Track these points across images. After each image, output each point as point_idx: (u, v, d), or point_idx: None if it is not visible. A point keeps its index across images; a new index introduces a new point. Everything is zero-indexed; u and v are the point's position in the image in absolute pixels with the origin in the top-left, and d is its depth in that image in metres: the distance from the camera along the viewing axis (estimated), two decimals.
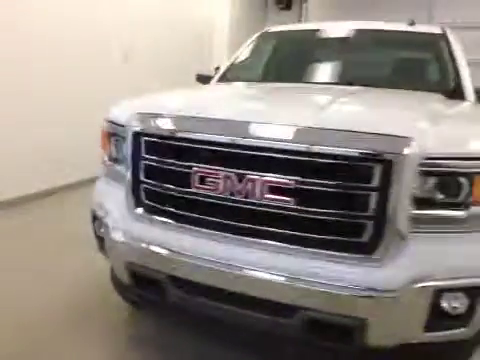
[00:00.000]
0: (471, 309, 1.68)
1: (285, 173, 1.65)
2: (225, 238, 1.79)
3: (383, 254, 1.62)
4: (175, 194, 1.88)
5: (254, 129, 1.71)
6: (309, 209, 1.65)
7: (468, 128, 1.78)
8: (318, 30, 3.39)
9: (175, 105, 2.04)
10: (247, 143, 1.69)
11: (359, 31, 3.26)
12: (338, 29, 3.35)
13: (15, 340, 2.30)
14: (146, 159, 1.94)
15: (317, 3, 9.13)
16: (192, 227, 1.86)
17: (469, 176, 1.61)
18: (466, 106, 2.29)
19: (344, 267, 1.65)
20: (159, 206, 1.94)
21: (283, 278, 1.68)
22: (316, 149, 1.61)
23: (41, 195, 4.58)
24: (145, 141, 1.93)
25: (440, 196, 1.64)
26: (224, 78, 3.31)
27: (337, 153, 1.60)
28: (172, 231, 1.91)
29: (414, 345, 1.75)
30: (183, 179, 1.83)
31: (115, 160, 2.19)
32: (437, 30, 3.16)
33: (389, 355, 1.77)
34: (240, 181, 1.71)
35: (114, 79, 5.58)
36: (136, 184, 1.99)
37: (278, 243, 1.72)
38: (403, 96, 2.48)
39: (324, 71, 3.17)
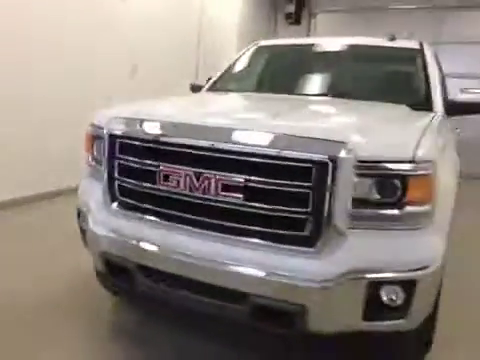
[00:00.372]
0: (407, 301, 1.82)
1: (236, 172, 1.84)
2: (185, 230, 1.98)
3: (322, 247, 1.78)
4: (143, 190, 2.08)
5: (207, 132, 1.90)
6: (257, 205, 1.83)
7: (403, 135, 1.93)
8: (303, 45, 3.60)
9: (147, 111, 2.25)
10: (202, 144, 1.89)
11: (341, 46, 3.45)
12: (321, 44, 3.56)
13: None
14: (119, 158, 2.14)
15: (325, 19, 9.34)
16: (158, 220, 2.06)
17: (402, 178, 1.77)
18: (422, 117, 2.44)
19: (288, 258, 1.81)
20: (130, 201, 2.14)
21: (234, 267, 1.86)
22: (261, 151, 1.79)
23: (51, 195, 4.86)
24: (118, 142, 2.14)
25: (376, 196, 1.79)
26: (213, 88, 3.52)
27: (280, 155, 1.78)
28: (141, 224, 2.10)
29: (357, 333, 1.89)
30: (150, 177, 2.03)
31: (97, 161, 2.40)
32: (415, 45, 3.31)
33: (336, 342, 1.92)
34: (198, 179, 1.90)
35: (122, 90, 5.84)
36: (111, 181, 2.19)
37: (231, 236, 1.89)
38: (363, 107, 2.65)
39: (301, 83, 3.36)
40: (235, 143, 1.84)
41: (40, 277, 3.04)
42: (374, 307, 1.81)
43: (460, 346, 2.62)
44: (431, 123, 2.24)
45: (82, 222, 2.43)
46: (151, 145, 2.04)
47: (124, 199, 2.17)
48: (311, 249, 1.79)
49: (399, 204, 1.78)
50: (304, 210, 1.78)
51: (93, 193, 2.35)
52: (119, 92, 5.38)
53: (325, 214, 1.76)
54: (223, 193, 1.86)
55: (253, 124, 1.91)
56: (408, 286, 1.80)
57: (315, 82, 3.33)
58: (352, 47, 3.45)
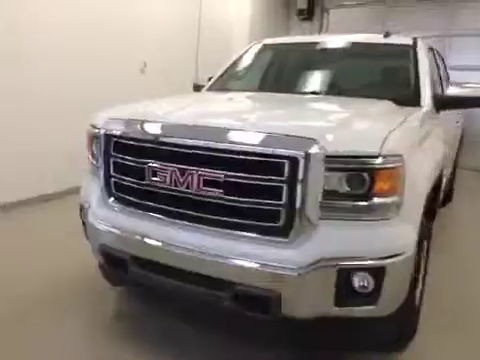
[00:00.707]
0: (377, 288, 1.94)
1: (216, 168, 1.98)
2: (173, 223, 2.14)
3: (295, 237, 1.91)
4: (135, 186, 2.24)
5: (189, 131, 2.05)
6: (235, 199, 1.97)
7: (373, 131, 2.04)
8: (299, 43, 3.70)
9: (138, 112, 2.41)
10: (185, 143, 2.04)
11: (336, 44, 3.55)
12: (317, 43, 3.66)
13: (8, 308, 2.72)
14: (114, 156, 2.31)
15: (338, 14, 9.34)
16: (148, 214, 2.22)
17: (370, 171, 1.88)
18: (402, 112, 2.53)
19: (264, 248, 1.95)
20: (124, 196, 2.31)
21: (216, 257, 2.00)
22: (238, 148, 1.93)
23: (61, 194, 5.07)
24: (113, 141, 2.31)
25: (346, 188, 1.90)
26: (212, 87, 3.66)
27: (256, 151, 1.91)
28: (134, 217, 2.27)
29: (332, 319, 2.01)
30: (140, 173, 2.19)
31: (96, 159, 2.58)
32: (408, 41, 3.38)
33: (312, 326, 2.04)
34: (182, 175, 2.05)
35: (132, 88, 6.02)
36: (107, 178, 2.36)
37: (213, 228, 2.04)
38: (346, 103, 2.76)
39: (294, 82, 3.47)
40: (214, 141, 1.98)
41: (46, 270, 3.24)
42: (345, 293, 1.92)
43: (446, 333, 2.69)
44: (408, 118, 2.33)
45: (83, 217, 2.61)
46: (140, 144, 2.20)
47: (119, 194, 2.34)
48: (285, 239, 1.92)
49: (367, 196, 1.89)
50: (278, 203, 1.91)
51: (93, 189, 2.52)
52: (131, 88, 5.58)
53: (297, 206, 1.88)
54: (205, 188, 2.01)
55: (231, 122, 2.05)
56: (377, 273, 1.91)
57: (308, 81, 3.44)
58: (347, 45, 3.55)
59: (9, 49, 4.45)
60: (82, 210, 2.64)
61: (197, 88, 3.92)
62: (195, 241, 2.06)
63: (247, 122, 2.09)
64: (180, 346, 2.44)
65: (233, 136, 1.97)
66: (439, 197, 2.85)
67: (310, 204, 1.88)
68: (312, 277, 1.88)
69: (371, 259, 1.90)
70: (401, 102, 2.78)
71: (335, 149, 1.87)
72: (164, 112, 2.36)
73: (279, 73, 3.59)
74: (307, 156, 1.85)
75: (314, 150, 1.85)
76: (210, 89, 3.67)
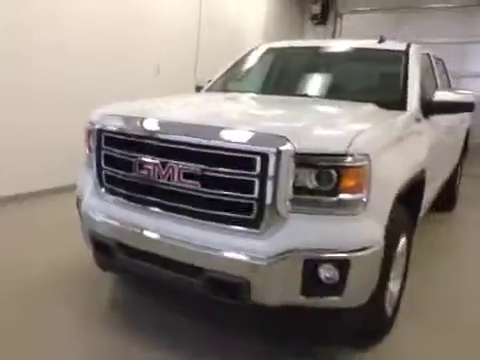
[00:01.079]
0: (342, 280, 2.04)
1: (194, 162, 2.11)
2: (155, 213, 2.28)
3: (265, 229, 2.03)
4: (122, 177, 2.39)
5: (172, 127, 2.20)
6: (212, 191, 2.10)
7: (343, 131, 2.14)
8: (296, 47, 3.83)
9: (128, 109, 2.56)
10: (167, 138, 2.18)
11: (331, 49, 3.66)
12: (313, 47, 3.77)
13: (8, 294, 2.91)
14: (105, 150, 2.47)
15: (351, 19, 9.41)
16: (133, 204, 2.37)
17: (336, 169, 1.99)
18: (386, 115, 2.62)
19: (237, 238, 2.07)
20: (113, 187, 2.47)
21: (192, 245, 2.13)
22: (213, 143, 2.06)
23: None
24: (104, 136, 2.47)
25: (314, 184, 2.02)
26: (211, 88, 3.81)
27: (229, 147, 2.04)
28: (120, 207, 2.43)
29: (299, 307, 2.12)
30: (127, 166, 2.34)
31: (91, 153, 2.74)
32: (401, 47, 3.46)
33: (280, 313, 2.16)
34: (164, 168, 2.19)
35: (147, 89, 6.21)
36: (99, 170, 2.52)
37: (191, 218, 2.18)
38: (330, 105, 2.88)
39: (286, 84, 3.61)
40: (193, 137, 2.12)
41: (48, 256, 3.43)
42: (311, 283, 2.04)
43: (425, 331, 2.77)
44: (385, 121, 2.44)
45: (79, 207, 2.77)
46: (128, 138, 2.35)
47: (109, 185, 2.50)
48: (256, 230, 2.04)
49: (334, 192, 2.01)
50: (250, 196, 2.03)
51: (87, 181, 2.68)
52: (146, 89, 5.77)
53: (268, 200, 2.00)
54: (184, 180, 2.15)
55: (210, 120, 2.19)
56: (342, 266, 2.02)
57: (300, 84, 3.56)
58: (342, 50, 3.67)
59: (35, 52, 4.71)
60: (78, 202, 2.81)
61: (199, 89, 4.07)
62: (174, 230, 2.20)
63: (225, 120, 2.23)
64: (172, 334, 2.56)
65: (209, 132, 2.10)
66: (422, 198, 2.91)
67: (280, 198, 2.00)
68: (280, 266, 2.00)
69: (336, 252, 2.01)
70: (387, 105, 2.88)
71: (304, 147, 1.99)
72: (152, 110, 2.51)
73: (273, 76, 3.73)
74: (277, 153, 1.97)
75: (284, 147, 1.97)
76: (209, 90, 3.81)
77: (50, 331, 2.54)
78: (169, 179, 2.19)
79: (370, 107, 2.78)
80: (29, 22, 4.67)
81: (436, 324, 2.86)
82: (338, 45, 3.81)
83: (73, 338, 2.53)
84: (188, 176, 2.14)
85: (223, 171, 2.06)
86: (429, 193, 3.29)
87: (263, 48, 4.03)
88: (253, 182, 2.02)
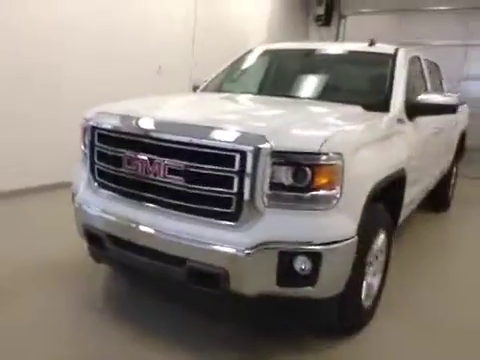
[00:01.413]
0: (315, 271, 2.17)
1: (178, 159, 2.25)
2: (142, 206, 2.42)
3: (243, 222, 2.16)
4: (113, 172, 2.53)
5: (159, 125, 2.34)
6: (194, 186, 2.23)
7: (319, 131, 2.26)
8: (290, 50, 3.96)
9: (123, 108, 2.69)
10: (154, 135, 2.32)
11: (322, 51, 3.79)
12: (305, 49, 3.91)
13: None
14: (98, 146, 2.61)
15: (355, 21, 9.49)
16: (122, 197, 2.51)
17: (311, 167, 2.11)
18: (367, 116, 2.75)
19: (217, 230, 2.20)
20: (105, 182, 2.61)
21: (175, 237, 2.27)
22: (197, 141, 2.20)
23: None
24: (97, 133, 2.61)
25: (290, 181, 2.14)
26: (206, 88, 3.95)
27: (212, 145, 2.17)
28: (111, 200, 2.57)
29: (275, 297, 2.25)
30: (117, 161, 2.48)
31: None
32: (390, 50, 3.56)
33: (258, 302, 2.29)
34: (151, 164, 2.33)
35: (149, 87, 6.35)
36: (92, 165, 2.67)
37: (175, 211, 2.31)
38: (314, 106, 3.02)
39: (276, 85, 3.75)
40: (177, 134, 2.26)
41: (43, 251, 3.59)
42: (285, 274, 2.16)
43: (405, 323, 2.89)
44: (364, 122, 2.56)
45: (74, 201, 2.92)
46: (119, 136, 2.49)
47: (101, 180, 2.64)
48: (234, 223, 2.17)
49: (308, 189, 2.13)
50: (230, 191, 2.16)
51: (82, 176, 2.82)
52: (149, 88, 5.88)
53: (246, 195, 2.13)
54: (169, 176, 2.28)
55: (191, 119, 2.34)
56: (315, 258, 2.14)
57: (290, 85, 3.67)
58: (333, 52, 3.79)
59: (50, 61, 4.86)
60: (73, 196, 2.95)
61: (195, 89, 4.21)
62: (159, 222, 2.34)
63: (209, 119, 2.37)
64: (160, 324, 2.71)
65: (192, 131, 2.24)
66: (403, 197, 3.02)
67: (257, 194, 2.13)
68: (256, 258, 2.12)
69: (309, 245, 2.13)
70: (371, 107, 2.99)
71: (281, 145, 2.12)
72: (141, 109, 2.65)
73: (266, 77, 3.86)
74: (255, 151, 2.09)
75: (261, 146, 2.10)
76: (204, 90, 3.95)
77: (43, 319, 2.69)
78: (155, 175, 2.32)
79: (354, 109, 2.90)
80: (31, 22, 4.82)
81: (418, 319, 2.96)
82: (330, 48, 3.94)
83: (66, 326, 2.68)
84: (173, 172, 2.27)
85: (204, 167, 2.19)
86: (413, 193, 3.39)
87: (258, 50, 4.16)
88: (232, 178, 2.15)
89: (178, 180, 2.26)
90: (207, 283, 2.26)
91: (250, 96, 3.46)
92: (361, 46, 3.75)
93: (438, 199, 5.61)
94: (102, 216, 2.56)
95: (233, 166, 2.14)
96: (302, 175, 2.13)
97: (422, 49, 6.58)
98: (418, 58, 3.99)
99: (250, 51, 4.20)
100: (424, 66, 4.07)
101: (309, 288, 2.20)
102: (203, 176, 2.20)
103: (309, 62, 3.79)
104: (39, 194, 5.01)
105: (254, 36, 8.46)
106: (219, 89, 3.88)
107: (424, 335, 2.78)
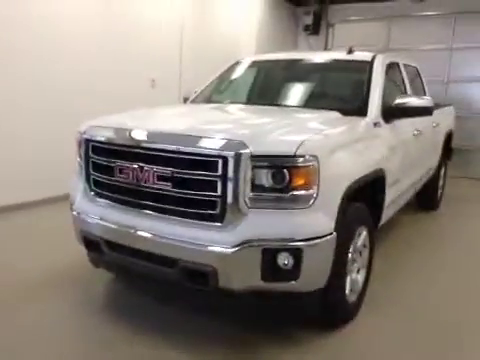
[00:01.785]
0: (297, 266, 2.33)
1: (165, 165, 2.42)
2: (135, 212, 2.59)
3: (228, 223, 2.32)
4: (107, 181, 2.71)
5: (147, 135, 2.52)
6: (181, 191, 2.40)
7: (295, 136, 2.43)
8: (272, 61, 4.18)
9: (115, 121, 2.87)
10: (143, 145, 2.50)
11: (303, 60, 4.00)
12: (287, 60, 4.12)
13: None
14: (92, 157, 2.79)
15: (343, 29, 9.73)
16: (116, 204, 2.68)
17: (288, 169, 2.29)
18: (344, 121, 2.94)
19: (204, 231, 2.37)
20: (100, 190, 2.78)
21: (167, 239, 2.44)
22: (182, 149, 2.37)
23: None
24: (91, 145, 2.78)
25: (270, 183, 2.31)
26: (195, 100, 4.14)
27: (196, 152, 2.35)
28: (106, 208, 2.74)
29: (263, 291, 2.41)
30: (110, 171, 2.66)
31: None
32: (367, 57, 3.75)
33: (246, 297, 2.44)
34: (141, 171, 2.50)
35: (143, 100, 6.53)
36: (88, 175, 2.84)
37: (165, 215, 2.49)
38: (294, 113, 3.21)
39: (260, 94, 3.96)
40: (164, 143, 2.43)
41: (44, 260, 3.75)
42: (269, 270, 2.32)
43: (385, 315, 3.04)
44: (337, 127, 2.76)
45: (71, 210, 3.08)
46: (111, 147, 2.67)
47: (96, 189, 2.81)
48: (220, 224, 2.34)
49: (287, 189, 2.30)
50: (214, 194, 2.33)
51: (78, 186, 2.99)
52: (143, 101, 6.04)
53: (229, 197, 2.30)
54: (158, 182, 2.45)
55: (177, 128, 2.53)
56: (296, 254, 2.31)
57: (273, 94, 3.88)
58: (313, 61, 4.00)
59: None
60: (71, 206, 3.12)
61: (186, 100, 4.40)
62: (151, 226, 2.51)
63: (194, 128, 2.56)
64: (157, 324, 2.87)
65: (178, 139, 2.42)
66: (384, 195, 3.19)
67: (240, 196, 2.30)
68: (241, 255, 2.29)
69: (290, 241, 2.30)
70: (349, 112, 3.18)
71: (260, 150, 2.29)
72: (131, 122, 2.83)
73: (251, 87, 4.07)
74: (235, 156, 2.27)
75: (241, 151, 2.27)
76: (193, 101, 4.14)
77: (45, 321, 2.86)
78: (145, 181, 2.50)
79: (332, 114, 3.08)
80: (25, 40, 5.01)
81: (404, 313, 3.10)
82: (312, 57, 4.14)
83: (67, 327, 2.84)
84: (161, 178, 2.44)
85: (190, 173, 2.37)
86: (395, 192, 3.56)
87: (244, 61, 4.36)
88: (216, 182, 2.32)
89: (166, 186, 2.44)
90: (198, 281, 2.42)
91: (236, 106, 3.65)
92: (341, 54, 3.94)
93: (427, 199, 5.78)
94: (98, 223, 2.73)
95: (216, 171, 2.31)
96: (280, 177, 2.30)
97: (404, 54, 6.83)
98: (396, 64, 4.18)
99: (237, 62, 4.40)
100: (403, 71, 4.26)
101: (292, 282, 2.36)
102: (189, 181, 2.38)
103: (292, 72, 4.00)
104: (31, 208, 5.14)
105: (244, 47, 8.68)
106: (208, 100, 4.06)
107: (410, 328, 2.91)
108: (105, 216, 2.71)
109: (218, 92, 4.15)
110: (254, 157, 2.28)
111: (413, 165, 4.08)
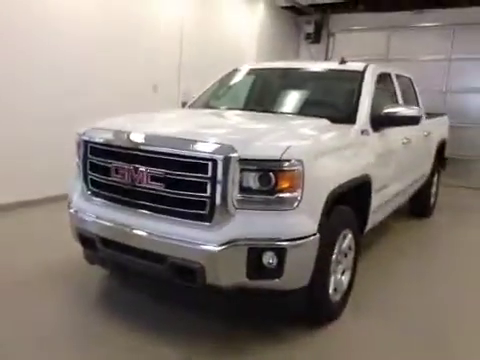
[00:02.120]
0: (280, 265, 2.45)
1: (158, 167, 2.55)
2: (128, 210, 2.72)
3: (216, 223, 2.45)
4: (103, 181, 2.84)
5: (140, 137, 2.65)
6: (173, 191, 2.54)
7: (281, 141, 2.56)
8: (268, 69, 4.32)
9: (109, 123, 3.00)
10: (137, 147, 2.64)
11: (298, 70, 4.14)
12: (282, 68, 4.28)
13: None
14: (89, 158, 2.93)
15: (343, 38, 9.89)
16: (111, 203, 2.81)
17: (274, 172, 2.42)
18: (332, 128, 3.08)
19: (193, 230, 2.50)
20: (96, 190, 2.92)
21: (158, 236, 2.57)
22: (174, 151, 2.51)
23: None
24: (89, 146, 2.92)
25: (257, 185, 2.44)
26: (194, 104, 4.28)
27: (188, 154, 2.48)
28: (102, 206, 2.87)
29: (249, 289, 2.53)
30: (107, 171, 2.79)
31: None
32: (359, 68, 3.89)
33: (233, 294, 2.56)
34: (135, 172, 2.64)
35: (146, 105, 6.66)
36: (85, 175, 2.97)
37: (157, 214, 2.62)
38: (285, 120, 3.37)
39: (255, 101, 4.11)
40: (158, 146, 2.57)
41: (41, 257, 3.88)
42: (254, 268, 2.44)
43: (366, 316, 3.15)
44: (324, 134, 2.90)
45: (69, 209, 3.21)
46: (108, 148, 2.80)
47: (93, 188, 2.94)
48: (209, 224, 2.47)
49: (273, 191, 2.43)
50: (204, 195, 2.46)
51: (76, 186, 3.12)
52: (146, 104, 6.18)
53: (218, 198, 2.43)
54: (151, 182, 2.59)
55: (170, 132, 2.67)
56: (279, 253, 2.43)
57: (267, 101, 4.04)
58: (307, 70, 4.15)
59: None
60: (69, 204, 3.25)
61: (184, 105, 4.55)
62: (143, 224, 2.64)
63: (188, 132, 2.70)
64: (148, 320, 2.99)
65: (171, 143, 2.56)
66: (370, 200, 3.32)
67: (228, 197, 2.43)
68: (228, 253, 2.41)
69: (274, 241, 2.42)
70: (338, 120, 3.31)
71: (247, 154, 2.42)
72: (132, 124, 2.97)
73: (247, 94, 4.22)
74: (224, 159, 2.40)
75: (230, 154, 2.40)
76: (192, 106, 4.28)
77: (38, 318, 2.97)
78: (140, 182, 2.63)
79: (320, 121, 3.21)
80: (29, 47, 5.17)
81: (388, 315, 3.21)
82: (307, 66, 4.29)
83: (62, 322, 2.96)
84: (154, 179, 2.58)
85: (182, 174, 2.50)
86: (382, 197, 3.68)
87: (242, 69, 4.50)
88: (206, 184, 2.45)
89: (159, 186, 2.57)
90: (186, 278, 2.54)
91: (231, 111, 3.80)
92: (334, 64, 4.09)
93: (420, 206, 5.90)
94: (94, 221, 2.86)
95: (206, 173, 2.44)
96: (267, 180, 2.43)
97: (402, 65, 6.94)
98: (388, 74, 4.31)
99: (235, 70, 4.54)
100: (395, 81, 4.39)
101: (276, 280, 2.48)
102: (181, 182, 2.51)
103: (287, 80, 4.16)
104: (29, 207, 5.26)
105: (246, 55, 8.83)
106: (206, 105, 4.20)
107: (394, 329, 3.01)
108: (100, 214, 2.84)
109: (216, 98, 4.30)
110: (242, 160, 2.41)
111: (402, 172, 4.20)
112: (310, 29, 9.91)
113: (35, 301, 3.15)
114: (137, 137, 2.70)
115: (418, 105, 5.13)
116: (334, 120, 3.29)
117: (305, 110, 3.67)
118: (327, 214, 2.66)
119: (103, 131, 2.90)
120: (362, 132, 3.32)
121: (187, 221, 2.53)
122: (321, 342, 2.81)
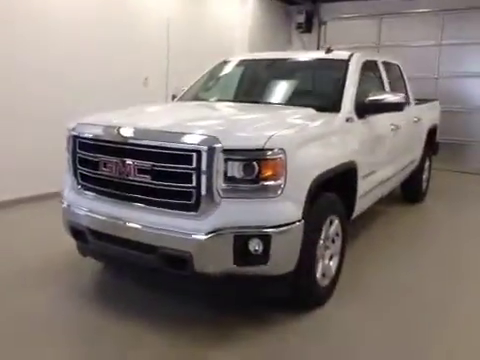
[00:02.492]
0: (266, 251, 2.52)
1: (145, 160, 2.61)
2: (117, 203, 2.79)
3: (202, 212, 2.52)
4: (92, 175, 2.90)
5: (127, 131, 2.71)
6: (159, 182, 2.60)
7: (264, 130, 2.62)
8: (255, 60, 4.37)
9: (96, 118, 3.06)
10: (124, 140, 2.69)
11: (284, 60, 4.19)
12: (268, 59, 4.33)
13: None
14: (79, 153, 2.98)
15: (335, 26, 9.90)
16: (100, 196, 2.88)
17: (257, 161, 2.48)
18: (316, 117, 3.14)
19: (181, 220, 2.57)
20: (86, 184, 2.98)
21: (147, 227, 2.63)
22: (160, 144, 2.56)
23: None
24: (78, 141, 2.98)
25: (241, 174, 2.50)
26: (183, 97, 4.33)
27: (172, 146, 2.54)
28: (93, 200, 2.93)
29: (237, 275, 2.60)
30: (95, 165, 2.85)
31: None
32: (344, 56, 3.93)
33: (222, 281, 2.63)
34: (123, 165, 2.70)
35: (137, 97, 6.70)
36: (75, 170, 3.03)
37: (145, 205, 2.68)
38: (270, 110, 3.43)
39: (242, 92, 4.16)
40: (143, 139, 2.63)
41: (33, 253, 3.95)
42: (241, 254, 2.51)
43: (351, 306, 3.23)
44: (308, 122, 2.95)
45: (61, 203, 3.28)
46: (95, 143, 2.86)
47: (83, 182, 3.01)
48: (195, 213, 2.53)
49: (256, 180, 2.49)
50: (190, 186, 2.53)
51: (68, 181, 3.18)
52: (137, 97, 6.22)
53: (203, 188, 2.50)
54: (138, 175, 2.65)
55: (156, 124, 2.73)
56: (265, 239, 2.50)
57: (254, 91, 4.10)
58: (293, 60, 4.20)
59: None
60: (61, 198, 3.31)
61: (174, 98, 4.59)
62: (132, 216, 2.70)
63: (175, 125, 2.76)
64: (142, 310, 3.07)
65: (156, 135, 2.62)
66: (356, 186, 3.38)
67: (213, 186, 2.49)
68: (215, 241, 2.48)
69: (259, 228, 2.49)
70: (323, 109, 3.37)
71: (231, 144, 2.48)
72: (121, 119, 3.03)
73: (236, 85, 4.27)
74: (208, 150, 2.46)
75: (214, 145, 2.46)
76: (181, 99, 4.33)
77: (37, 307, 3.06)
78: (127, 175, 2.69)
79: (305, 110, 3.27)
80: (20, 43, 5.20)
81: (375, 300, 3.27)
82: (294, 56, 4.34)
83: (56, 311, 3.04)
84: (141, 171, 2.64)
85: (169, 166, 2.56)
86: (369, 184, 3.74)
87: (231, 60, 4.55)
88: (191, 174, 2.51)
89: (146, 178, 2.63)
90: (175, 266, 2.61)
91: (219, 103, 3.85)
92: (320, 53, 4.13)
93: (412, 191, 5.96)
94: (84, 214, 2.93)
95: (191, 164, 2.50)
96: (250, 169, 2.49)
97: (392, 51, 6.96)
98: (374, 62, 4.36)
99: (224, 62, 4.58)
100: (381, 69, 4.43)
101: (263, 266, 2.56)
102: (168, 174, 2.57)
103: (275, 71, 4.21)
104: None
105: (237, 45, 8.84)
106: (195, 97, 4.25)
107: (382, 313, 3.09)
108: (90, 207, 2.90)
109: (204, 90, 4.35)
110: (226, 151, 2.47)
111: (391, 158, 4.26)
112: (301, 18, 9.90)
113: (29, 293, 3.21)
114: (124, 131, 2.75)
115: (406, 92, 5.17)
116: (320, 109, 3.35)
117: (292, 100, 3.72)
118: (312, 201, 2.72)
119: (92, 126, 2.95)
120: (347, 120, 3.37)
121: (175, 212, 2.59)
122: (310, 326, 2.87)
